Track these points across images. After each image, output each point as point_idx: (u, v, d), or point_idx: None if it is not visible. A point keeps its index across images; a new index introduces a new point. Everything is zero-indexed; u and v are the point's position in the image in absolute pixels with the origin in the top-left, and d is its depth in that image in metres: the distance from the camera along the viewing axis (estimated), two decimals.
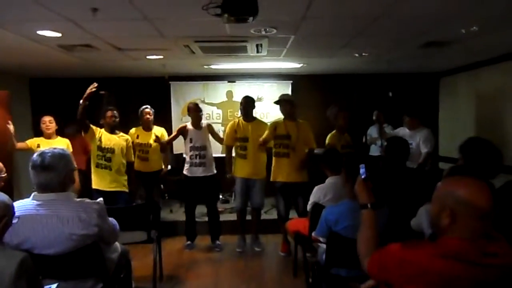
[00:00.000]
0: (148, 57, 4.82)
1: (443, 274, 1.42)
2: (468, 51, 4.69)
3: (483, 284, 1.45)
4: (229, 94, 6.78)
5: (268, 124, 4.69)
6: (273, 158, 4.54)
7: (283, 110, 4.54)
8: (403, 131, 4.93)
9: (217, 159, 4.98)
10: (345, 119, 4.68)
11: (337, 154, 3.73)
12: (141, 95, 6.51)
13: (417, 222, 2.52)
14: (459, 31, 3.59)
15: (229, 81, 6.77)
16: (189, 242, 4.82)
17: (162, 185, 5.94)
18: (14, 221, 1.88)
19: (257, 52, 4.56)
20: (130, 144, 4.56)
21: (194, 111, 4.73)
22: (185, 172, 4.76)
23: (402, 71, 6.54)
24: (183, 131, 4.76)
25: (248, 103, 4.66)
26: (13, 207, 1.87)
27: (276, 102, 4.60)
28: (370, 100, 6.24)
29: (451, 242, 1.46)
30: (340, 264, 2.60)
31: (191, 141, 4.68)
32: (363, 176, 1.85)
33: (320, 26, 3.54)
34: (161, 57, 4.85)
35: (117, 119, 4.39)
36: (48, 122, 4.66)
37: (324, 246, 2.78)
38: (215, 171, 4.79)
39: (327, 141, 4.71)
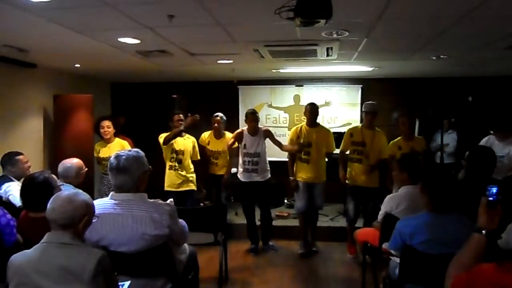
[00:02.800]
0: (218, 61, 4.91)
1: None
2: None
3: None
4: (296, 98, 6.71)
5: (331, 130, 4.84)
6: (348, 163, 4.63)
7: (364, 120, 4.64)
8: (491, 141, 4.53)
9: (277, 163, 5.02)
10: (405, 124, 4.48)
11: (418, 161, 3.53)
12: (211, 98, 6.70)
13: (507, 239, 2.27)
14: None
15: (296, 85, 6.71)
16: (253, 246, 4.83)
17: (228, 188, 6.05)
18: (94, 220, 1.99)
19: (327, 55, 4.46)
20: (196, 144, 4.82)
21: (250, 120, 4.67)
22: (238, 175, 4.80)
23: (484, 74, 6.04)
24: (239, 137, 4.74)
25: (314, 111, 4.69)
26: (93, 206, 1.98)
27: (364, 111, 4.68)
28: (447, 105, 5.85)
29: None
30: (414, 281, 2.42)
31: (245, 147, 4.68)
32: (490, 199, 1.61)
33: (396, 28, 3.37)
34: (231, 61, 4.92)
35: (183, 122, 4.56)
36: (106, 127, 4.76)
37: (396, 260, 2.62)
38: (269, 176, 4.77)
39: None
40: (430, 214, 2.39)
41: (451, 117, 5.85)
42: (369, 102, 4.65)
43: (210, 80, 6.76)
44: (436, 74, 6.03)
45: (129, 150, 2.34)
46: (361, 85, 6.59)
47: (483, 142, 4.59)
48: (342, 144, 4.64)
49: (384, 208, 3.26)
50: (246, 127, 4.74)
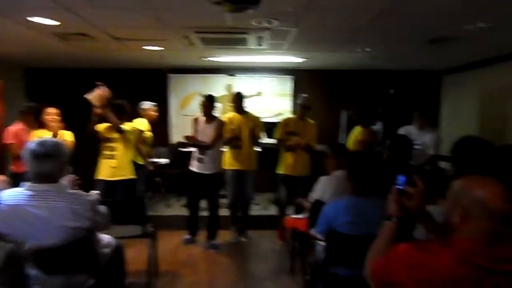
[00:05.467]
0: (145, 47, 4.72)
1: (453, 278, 1.35)
2: (476, 48, 4.61)
3: None
4: (229, 87, 6.69)
5: (258, 117, 4.88)
6: (280, 152, 4.73)
7: (298, 112, 4.75)
8: (410, 130, 4.86)
9: None
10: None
11: (345, 148, 3.72)
12: (139, 87, 6.44)
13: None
14: (468, 27, 3.50)
15: (229, 75, 6.67)
16: (189, 236, 4.72)
17: (159, 179, 5.90)
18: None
19: (258, 45, 4.48)
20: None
21: (204, 106, 4.46)
22: (190, 166, 4.58)
23: (405, 68, 6.45)
24: (195, 123, 4.54)
25: (240, 98, 4.72)
26: None
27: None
28: (372, 97, 6.18)
29: (462, 243, 1.39)
30: (339, 263, 2.52)
31: (198, 134, 4.50)
32: (399, 188, 1.68)
33: (324, 19, 3.45)
34: (160, 48, 4.75)
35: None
36: (55, 115, 4.43)
37: (322, 244, 2.71)
38: (221, 169, 4.60)
39: (353, 136, 4.90)
40: (353, 197, 2.50)
41: (378, 108, 6.18)
42: (304, 95, 4.78)
43: (138, 68, 6.49)
44: (362, 66, 6.30)
45: (48, 137, 2.21)
46: (293, 76, 6.71)
47: (401, 131, 4.93)
48: (277, 133, 4.71)
49: (315, 193, 3.36)
50: (201, 114, 4.53)
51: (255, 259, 4.37)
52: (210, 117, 4.47)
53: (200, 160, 4.44)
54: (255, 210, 5.40)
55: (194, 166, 4.49)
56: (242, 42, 4.28)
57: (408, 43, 4.34)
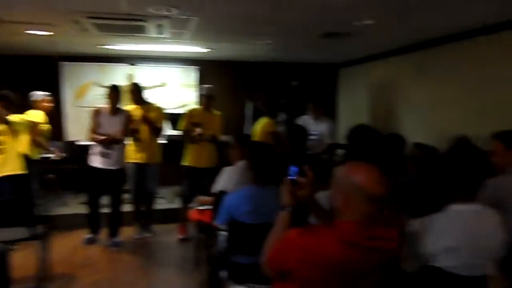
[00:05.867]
0: (29, 31, 4.26)
1: (338, 258, 1.45)
2: (364, 44, 4.98)
3: (371, 266, 1.50)
4: (130, 77, 6.36)
5: (160, 108, 4.71)
6: (185, 143, 4.63)
7: (203, 103, 4.68)
8: (306, 120, 5.10)
9: None
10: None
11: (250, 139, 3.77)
12: (28, 75, 5.84)
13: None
14: (355, 23, 3.75)
15: (129, 64, 6.35)
16: (90, 236, 4.44)
17: (53, 175, 5.44)
18: None
19: (159, 33, 4.31)
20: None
21: (110, 97, 4.23)
22: (90, 161, 4.31)
23: (306, 61, 6.74)
24: (97, 115, 4.27)
25: (138, 89, 4.55)
26: None
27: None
28: (276, 89, 6.37)
29: (344, 225, 1.49)
30: (240, 251, 2.56)
31: (100, 127, 4.22)
32: (292, 178, 1.74)
33: (223, 9, 3.43)
34: (48, 33, 4.33)
35: None
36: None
37: (224, 234, 2.73)
38: (124, 163, 4.43)
39: (260, 127, 4.89)
40: (254, 187, 2.55)
41: (281, 99, 6.38)
42: (207, 85, 4.73)
43: (27, 54, 5.87)
44: (267, 58, 6.43)
45: None
46: (198, 67, 6.61)
47: (299, 121, 5.17)
48: (182, 124, 4.58)
49: (219, 184, 3.36)
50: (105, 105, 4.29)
51: (159, 254, 4.28)
52: (116, 109, 4.25)
53: (105, 155, 4.20)
54: (160, 204, 5.26)
55: (97, 162, 4.24)
56: (141, 30, 4.08)
57: (303, 37, 4.53)
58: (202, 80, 6.52)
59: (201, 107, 4.72)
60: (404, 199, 2.33)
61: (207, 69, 6.63)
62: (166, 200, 5.53)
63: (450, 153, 1.83)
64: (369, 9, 3.31)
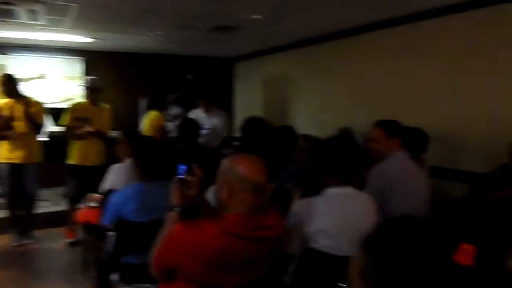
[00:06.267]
0: None
1: (221, 250, 1.45)
2: (256, 38, 5.10)
3: (256, 255, 1.54)
4: (1, 68, 5.65)
5: (39, 102, 4.24)
6: (70, 140, 4.27)
7: (89, 96, 4.30)
8: (198, 114, 5.05)
9: None
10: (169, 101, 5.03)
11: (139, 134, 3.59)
12: None
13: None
14: (243, 17, 3.81)
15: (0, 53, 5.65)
16: None
17: None
18: None
19: (33, 19, 3.90)
20: None
21: None
22: None
23: (200, 54, 6.69)
24: None
25: (11, 81, 4.05)
26: None
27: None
28: (170, 82, 6.21)
29: (230, 218, 1.50)
30: (129, 251, 2.44)
31: None
32: (180, 177, 1.68)
33: None
34: None
35: None
36: None
37: (113, 234, 2.58)
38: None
39: (149, 121, 4.71)
40: (141, 184, 2.44)
41: (174, 93, 6.24)
42: (92, 77, 4.43)
43: None
44: (159, 50, 6.24)
45: None
46: (83, 57, 6.14)
47: (190, 115, 5.12)
48: (65, 119, 4.19)
49: (106, 182, 3.16)
50: None
51: (43, 262, 3.91)
52: None
53: None
54: (43, 207, 4.79)
55: None
56: (10, 14, 3.65)
57: (194, 30, 4.48)
58: (88, 72, 6.08)
59: (87, 100, 4.35)
60: (293, 187, 2.44)
61: (93, 60, 6.20)
62: (50, 202, 5.05)
63: (328, 142, 1.97)
64: (255, 4, 3.39)
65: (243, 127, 3.41)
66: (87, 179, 4.20)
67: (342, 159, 1.89)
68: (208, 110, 4.96)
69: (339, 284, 1.08)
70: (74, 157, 4.24)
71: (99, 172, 4.08)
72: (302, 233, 1.85)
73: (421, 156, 3.17)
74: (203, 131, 4.78)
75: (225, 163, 1.58)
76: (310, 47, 5.18)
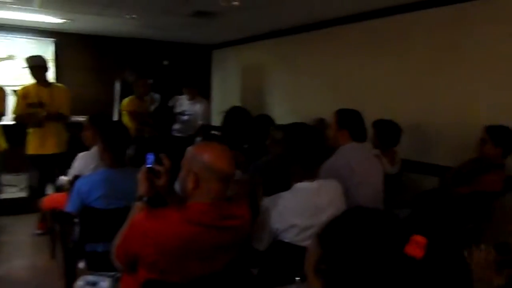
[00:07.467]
0: None
1: (184, 238, 1.42)
2: (233, 26, 5.03)
3: (221, 245, 1.51)
4: None
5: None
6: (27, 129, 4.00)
7: (35, 76, 3.96)
8: (182, 100, 4.99)
9: None
10: (145, 86, 4.79)
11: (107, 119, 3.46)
12: None
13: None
14: (223, 4, 3.73)
15: None
16: None
17: None
18: None
19: None
20: None
21: None
22: None
23: (177, 40, 6.57)
24: None
25: None
26: None
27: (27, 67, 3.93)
28: (145, 67, 6.07)
29: (194, 206, 1.47)
30: (94, 239, 2.38)
31: None
32: (149, 166, 1.62)
33: None
34: None
35: None
36: None
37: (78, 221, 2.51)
38: None
39: (123, 107, 4.66)
40: (108, 170, 2.38)
41: (149, 79, 6.12)
42: (35, 55, 4.07)
43: None
44: (135, 34, 6.08)
45: None
46: (54, 39, 5.91)
47: (172, 101, 5.04)
48: (15, 108, 3.92)
49: (73, 169, 3.07)
50: None
51: (6, 249, 3.78)
52: None
53: None
54: (12, 192, 4.66)
55: None
56: None
57: (171, 14, 4.37)
58: (60, 54, 5.91)
59: (35, 82, 3.98)
60: (264, 178, 2.42)
61: (65, 42, 5.98)
62: (17, 188, 4.89)
63: (294, 131, 1.94)
64: None
65: (226, 116, 3.34)
66: (47, 168, 4.02)
67: (306, 152, 1.85)
68: (192, 97, 4.90)
69: (295, 278, 1.06)
70: (31, 147, 4.01)
71: (59, 160, 3.94)
72: (271, 229, 1.80)
73: (392, 149, 3.21)
74: (184, 117, 4.73)
75: (190, 151, 1.55)
76: (287, 37, 5.15)
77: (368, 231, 0.72)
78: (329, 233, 0.78)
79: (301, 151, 1.85)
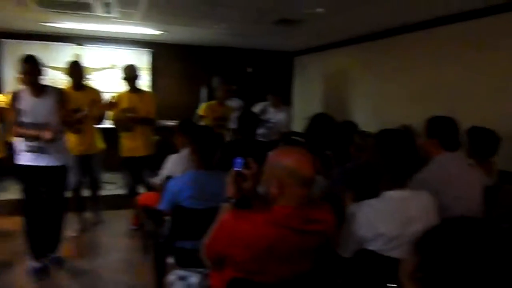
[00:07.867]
0: None
1: (270, 240, 1.45)
2: (317, 33, 5.03)
3: (303, 248, 1.53)
4: (76, 58, 6.04)
5: (97, 90, 4.24)
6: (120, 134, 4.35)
7: (128, 84, 4.30)
8: (266, 107, 5.08)
9: None
10: (226, 91, 4.82)
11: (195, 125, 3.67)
12: None
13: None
14: (306, 11, 3.77)
15: (76, 44, 6.05)
16: (36, 265, 3.30)
17: None
18: None
19: (107, 12, 4.14)
20: None
21: (26, 73, 3.09)
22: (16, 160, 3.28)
23: (260, 47, 6.73)
24: (15, 100, 3.15)
25: (78, 67, 4.04)
26: None
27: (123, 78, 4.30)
28: (231, 74, 6.32)
29: (279, 210, 1.50)
30: (184, 237, 2.53)
31: (22, 113, 3.12)
32: (237, 170, 1.71)
33: None
34: None
35: None
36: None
37: (169, 219, 2.69)
38: (68, 159, 3.51)
39: (199, 111, 4.78)
40: (197, 172, 2.52)
41: (232, 85, 6.33)
42: (129, 64, 4.34)
43: None
44: (221, 43, 6.36)
45: None
46: (151, 49, 6.42)
47: (256, 107, 5.16)
48: (112, 114, 4.22)
49: (165, 170, 3.29)
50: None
51: (105, 241, 4.16)
52: (39, 88, 3.15)
53: (39, 150, 3.17)
54: (110, 190, 5.13)
55: (26, 159, 3.21)
56: (86, 7, 3.90)
57: (258, 23, 4.50)
58: (155, 63, 6.38)
59: (127, 90, 4.27)
60: (350, 184, 2.38)
61: (160, 52, 6.46)
62: (116, 185, 5.36)
63: (382, 142, 1.87)
64: None
65: (311, 122, 3.34)
66: (137, 169, 4.35)
67: (397, 160, 1.78)
68: (276, 105, 4.98)
69: (387, 285, 1.04)
70: (124, 149, 4.33)
71: (147, 161, 4.25)
72: (357, 236, 1.76)
73: (489, 159, 2.95)
74: (268, 125, 4.81)
75: (272, 156, 1.58)
76: (370, 42, 5.02)
77: (471, 241, 0.69)
78: (429, 241, 0.76)
79: (394, 158, 1.78)
